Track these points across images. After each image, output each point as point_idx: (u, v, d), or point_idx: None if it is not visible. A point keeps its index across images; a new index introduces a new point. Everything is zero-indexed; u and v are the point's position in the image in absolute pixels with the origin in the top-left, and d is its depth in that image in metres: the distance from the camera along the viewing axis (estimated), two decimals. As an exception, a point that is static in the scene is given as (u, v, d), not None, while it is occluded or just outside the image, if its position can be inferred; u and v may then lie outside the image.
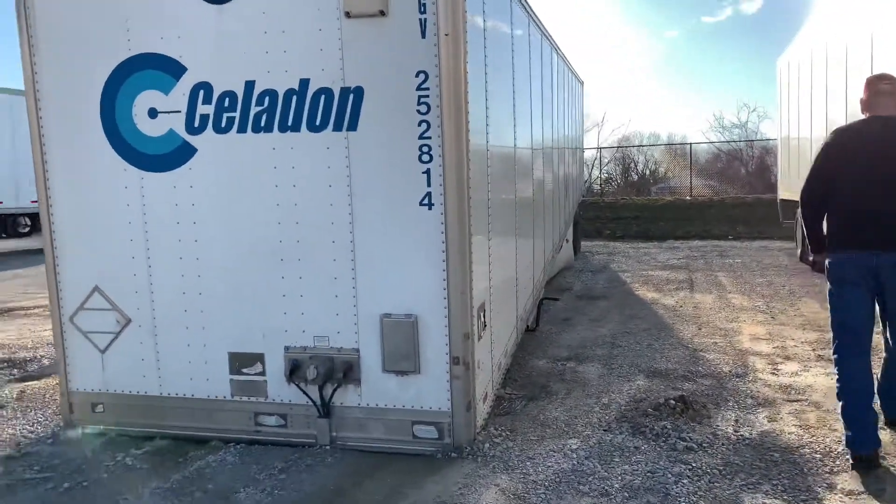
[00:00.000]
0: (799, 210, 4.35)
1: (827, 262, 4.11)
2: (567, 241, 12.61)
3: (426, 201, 4.18)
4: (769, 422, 4.67)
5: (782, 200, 14.61)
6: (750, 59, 52.85)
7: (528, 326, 7.10)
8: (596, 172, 28.91)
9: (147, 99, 4.48)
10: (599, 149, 29.84)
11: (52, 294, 4.79)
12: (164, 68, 4.44)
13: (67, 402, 4.80)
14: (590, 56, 54.33)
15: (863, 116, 4.22)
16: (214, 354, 4.53)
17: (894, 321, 4.05)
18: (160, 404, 4.62)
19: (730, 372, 5.84)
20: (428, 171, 4.16)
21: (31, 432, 4.79)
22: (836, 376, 4.06)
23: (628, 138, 35.88)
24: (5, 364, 6.61)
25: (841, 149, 4.10)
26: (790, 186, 13.67)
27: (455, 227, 4.16)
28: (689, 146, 29.16)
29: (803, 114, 12.31)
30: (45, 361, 6.67)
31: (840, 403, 4.02)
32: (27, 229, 19.82)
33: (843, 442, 4.02)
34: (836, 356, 4.11)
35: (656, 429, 4.47)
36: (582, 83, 15.99)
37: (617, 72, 58.62)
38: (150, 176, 4.53)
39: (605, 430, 4.53)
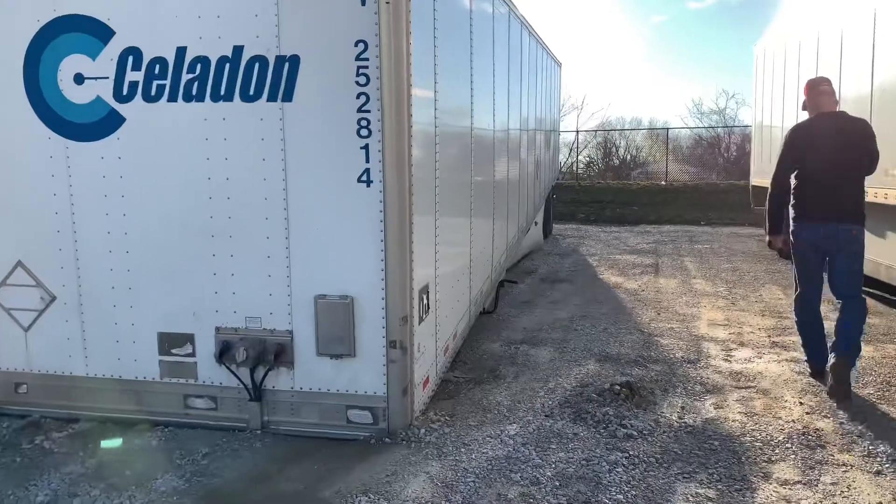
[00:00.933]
0: (768, 194, 5.21)
1: (792, 229, 5.06)
2: (536, 223, 12.49)
3: (364, 178, 4.00)
4: (715, 409, 4.59)
5: (754, 186, 14.58)
6: (732, 46, 52.68)
7: (484, 309, 6.98)
8: (575, 156, 28.78)
9: (73, 63, 4.24)
10: (578, 132, 29.69)
11: (-26, 268, 4.56)
12: (92, 31, 4.19)
13: (-10, 381, 4.60)
14: (573, 38, 53.91)
15: (804, 113, 5.21)
16: (143, 334, 4.34)
17: (834, 276, 4.93)
18: (86, 385, 4.43)
19: (682, 358, 5.76)
20: (367, 147, 3.97)
21: (-48, 413, 4.58)
22: (794, 316, 5.31)
23: (610, 122, 35.72)
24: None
25: (801, 142, 4.99)
26: (762, 172, 13.64)
27: (394, 206, 3.99)
28: (666, 131, 29.14)
29: (776, 101, 12.25)
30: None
31: (799, 335, 5.37)
32: None
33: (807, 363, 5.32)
34: (796, 296, 5.19)
35: (598, 415, 4.37)
36: (560, 65, 15.78)
37: (601, 55, 58.29)
38: (76, 146, 4.30)
39: (546, 416, 4.41)
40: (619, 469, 3.64)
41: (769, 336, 6.45)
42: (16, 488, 3.50)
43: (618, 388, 4.75)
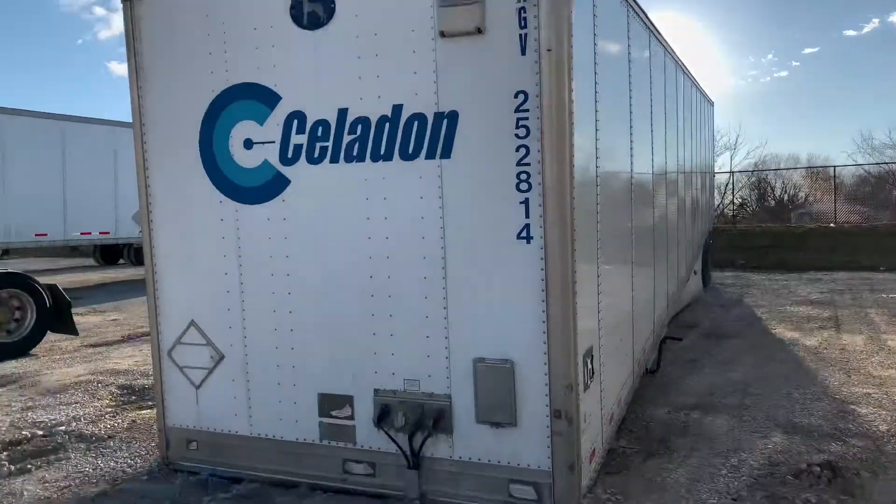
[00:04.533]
0: None
1: None
2: (695, 272, 11.73)
3: (524, 234, 3.79)
4: (945, 500, 3.85)
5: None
6: (900, 72, 48.27)
7: (647, 369, 6.48)
8: (730, 197, 27.19)
9: (243, 129, 4.40)
10: (732, 173, 28.10)
11: (153, 326, 4.79)
12: (260, 98, 4.35)
13: (164, 437, 4.76)
14: (723, 76, 51.77)
15: None
16: (304, 395, 4.33)
17: None
18: (250, 445, 4.47)
19: (888, 431, 4.97)
20: (526, 201, 3.77)
21: (130, 466, 4.79)
22: None
23: (764, 161, 33.61)
24: (125, 391, 6.81)
25: None
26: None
27: (556, 264, 3.73)
28: (832, 169, 26.87)
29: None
30: (158, 389, 6.79)
31: None
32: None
33: None
34: None
35: (797, 502, 3.78)
36: (712, 104, 15.03)
37: (752, 91, 55.46)
38: (244, 208, 4.44)
39: (733, 500, 3.89)
40: (837, 575, 3.08)
41: None
42: (184, 552, 3.51)
43: (817, 468, 4.13)
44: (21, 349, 8.85)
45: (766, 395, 5.96)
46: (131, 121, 4.76)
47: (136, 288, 15.79)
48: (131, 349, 9.08)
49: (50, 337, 9.30)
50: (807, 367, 6.98)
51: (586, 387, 3.99)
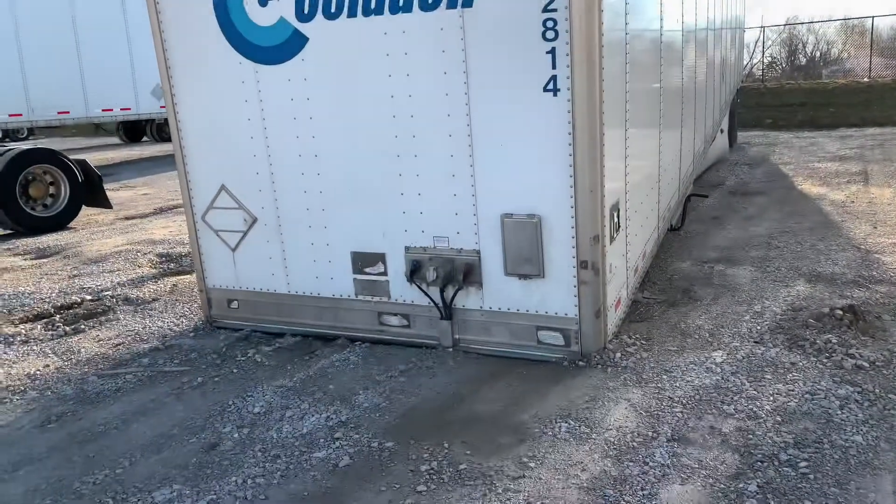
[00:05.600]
0: None
1: None
2: (721, 131, 11.49)
3: (551, 86, 3.71)
4: (963, 339, 3.96)
5: None
6: None
7: (671, 226, 6.53)
8: (760, 55, 26.04)
9: (257, -15, 4.26)
10: (763, 27, 26.73)
11: (184, 193, 4.89)
12: (273, -51, 4.17)
13: (206, 297, 4.99)
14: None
15: None
16: (337, 254, 4.46)
17: None
18: (289, 302, 4.67)
19: (913, 278, 5.04)
20: (553, 51, 3.66)
21: (176, 325, 5.05)
22: None
23: (797, 16, 31.81)
24: (164, 258, 7.06)
25: None
26: None
27: (584, 116, 3.68)
28: (870, 20, 25.37)
29: None
30: (194, 257, 7.02)
31: None
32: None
33: None
34: None
35: (818, 343, 3.91)
36: (745, -50, 14.08)
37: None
38: (264, 69, 4.38)
39: (755, 342, 4.03)
40: (853, 405, 3.23)
41: None
42: (236, 398, 3.77)
43: (839, 312, 4.22)
44: (59, 223, 9.14)
45: (790, 248, 6.01)
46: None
47: (162, 163, 15.94)
48: (164, 221, 9.31)
49: (85, 211, 9.54)
50: (833, 220, 6.97)
51: (612, 239, 4.06)
